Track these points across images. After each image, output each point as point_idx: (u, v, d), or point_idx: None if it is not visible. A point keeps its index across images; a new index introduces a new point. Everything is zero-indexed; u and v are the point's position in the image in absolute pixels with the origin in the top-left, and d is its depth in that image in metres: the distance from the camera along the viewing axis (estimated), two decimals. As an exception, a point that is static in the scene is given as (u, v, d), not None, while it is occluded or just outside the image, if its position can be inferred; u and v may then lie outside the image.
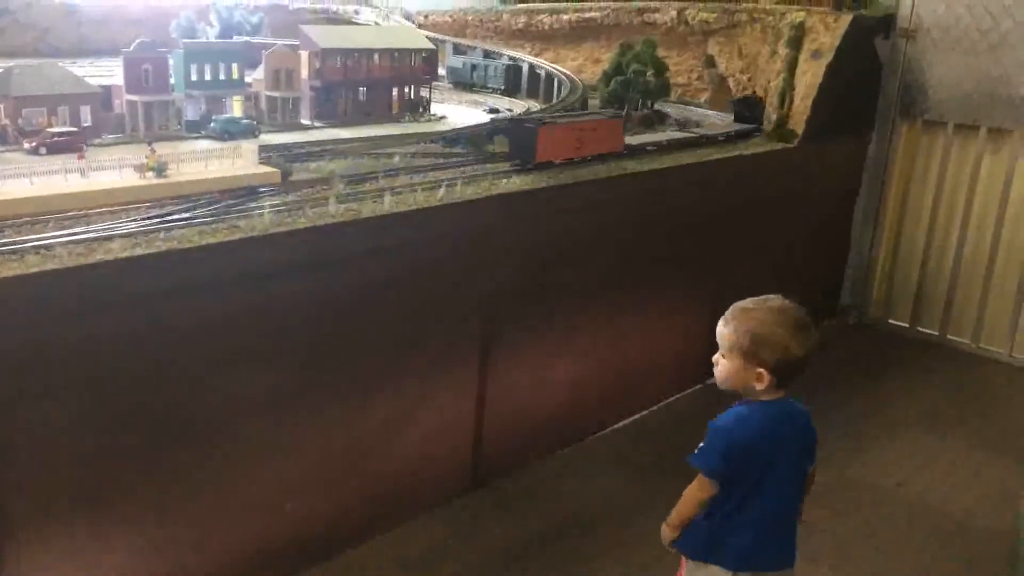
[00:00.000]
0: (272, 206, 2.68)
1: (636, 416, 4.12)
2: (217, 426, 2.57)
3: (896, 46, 5.01)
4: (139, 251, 2.25)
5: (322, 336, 2.76)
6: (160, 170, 2.77)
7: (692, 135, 4.43)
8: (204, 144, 3.35)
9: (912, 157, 5.16)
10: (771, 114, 4.71)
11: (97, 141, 3.24)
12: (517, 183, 3.34)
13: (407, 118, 4.33)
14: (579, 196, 3.49)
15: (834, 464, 3.73)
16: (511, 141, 3.69)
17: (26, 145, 2.99)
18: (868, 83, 5.06)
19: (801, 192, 4.69)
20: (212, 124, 3.59)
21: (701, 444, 2.14)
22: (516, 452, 3.59)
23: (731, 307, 2.18)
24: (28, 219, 2.38)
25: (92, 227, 2.34)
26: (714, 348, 2.21)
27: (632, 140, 4.04)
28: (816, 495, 3.42)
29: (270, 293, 2.56)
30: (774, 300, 2.17)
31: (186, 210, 2.58)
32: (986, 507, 3.47)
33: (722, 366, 2.16)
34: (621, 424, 4.04)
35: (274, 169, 3.03)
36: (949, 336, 5.13)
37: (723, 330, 2.16)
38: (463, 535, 3.14)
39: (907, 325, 5.27)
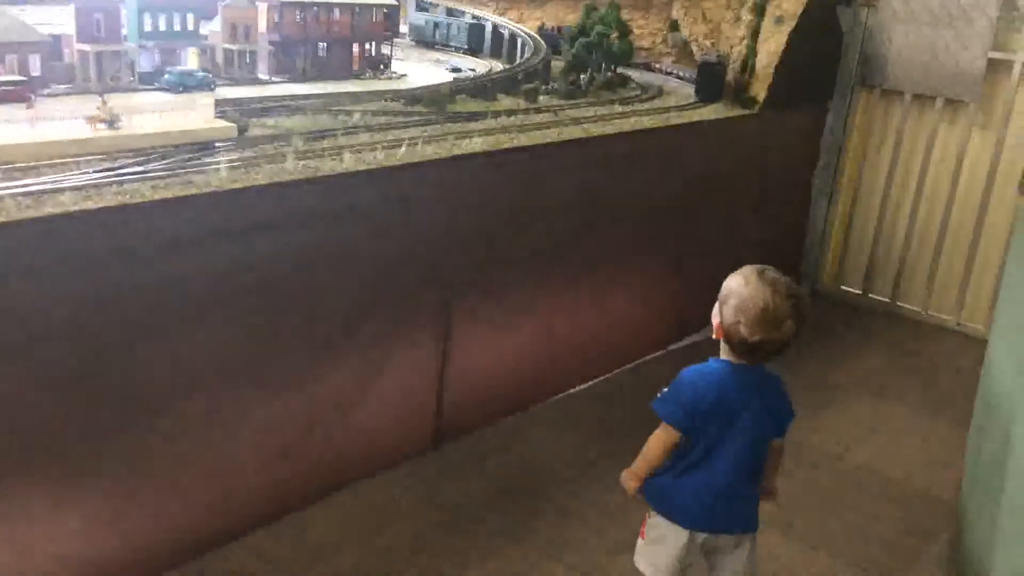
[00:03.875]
0: (228, 161, 2.63)
1: (596, 380, 4.15)
2: (168, 391, 2.52)
3: (857, 15, 5.03)
4: (90, 205, 2.20)
5: (279, 298, 2.73)
6: (112, 122, 2.70)
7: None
8: (158, 97, 3.27)
9: (870, 126, 5.22)
10: (731, 81, 4.72)
11: (46, 91, 3.14)
12: (479, 144, 3.31)
13: (368, 75, 4.27)
14: (538, 159, 3.48)
15: (784, 428, 3.81)
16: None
17: (-28, 94, 2.90)
18: (829, 51, 5.08)
19: (762, 159, 4.72)
20: (166, 76, 3.50)
21: (665, 390, 2.19)
22: (476, 414, 3.61)
23: (747, 268, 2.18)
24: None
25: (41, 179, 2.28)
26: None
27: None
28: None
29: (224, 252, 2.52)
30: (769, 272, 2.16)
31: (139, 163, 2.52)
32: (929, 471, 3.57)
33: (715, 310, 2.21)
34: (581, 387, 4.07)
35: (230, 124, 2.97)
36: (900, 303, 5.23)
37: (729, 283, 2.19)
38: (417, 496, 3.16)
39: (859, 292, 5.37)
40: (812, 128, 5.18)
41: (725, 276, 2.21)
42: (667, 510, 2.23)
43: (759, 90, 4.61)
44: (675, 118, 4.23)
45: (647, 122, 4.07)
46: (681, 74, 5.11)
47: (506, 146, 3.36)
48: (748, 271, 2.14)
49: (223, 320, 2.58)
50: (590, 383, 4.13)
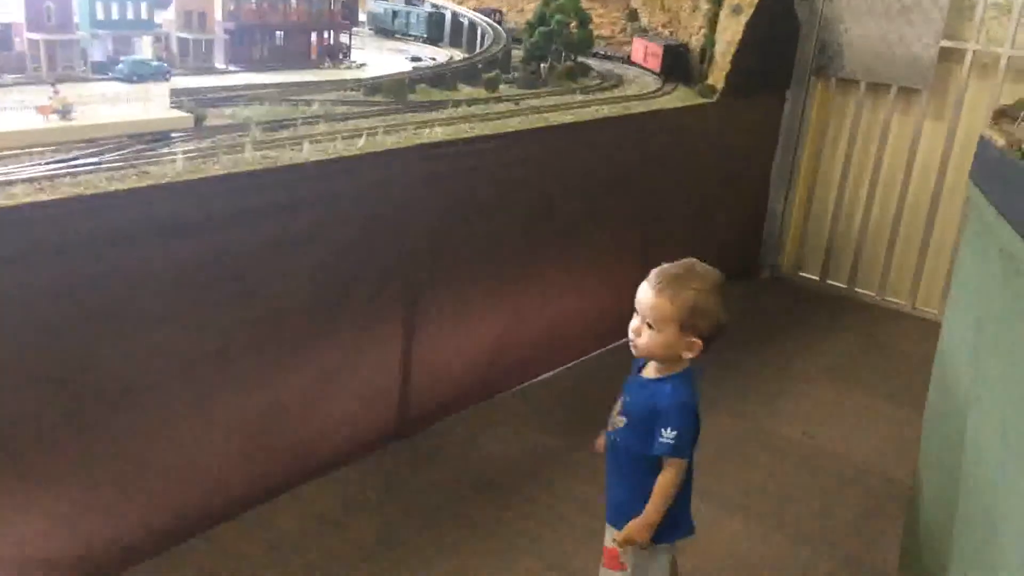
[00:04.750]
0: (184, 152, 2.58)
1: (561, 368, 4.17)
2: (125, 386, 2.47)
3: (814, 4, 5.09)
4: (43, 197, 2.15)
5: (239, 291, 2.69)
6: (65, 112, 2.64)
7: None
8: (111, 87, 3.20)
9: (826, 116, 5.29)
10: (692, 69, 4.76)
11: (-5, 81, 3.07)
12: (439, 133, 3.29)
13: (326, 64, 4.22)
14: (499, 149, 3.47)
15: (745, 416, 3.86)
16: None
17: (-83, 83, 2.82)
18: (786, 41, 5.14)
19: (722, 148, 4.76)
20: (120, 66, 3.42)
21: (672, 432, 2.08)
22: (441, 406, 3.60)
23: (657, 274, 2.14)
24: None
25: (-7, 171, 2.23)
26: (629, 305, 2.21)
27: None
28: (726, 447, 3.58)
29: (182, 245, 2.48)
30: (700, 267, 2.16)
31: (93, 155, 2.47)
32: (886, 456, 3.64)
33: (649, 336, 2.11)
34: (546, 376, 4.08)
35: (186, 114, 2.92)
36: (857, 289, 5.32)
37: (655, 300, 2.10)
38: (381, 489, 3.15)
39: (817, 279, 5.45)
40: (770, 117, 5.24)
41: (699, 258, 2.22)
42: (674, 535, 2.22)
43: (717, 79, 4.65)
44: (635, 106, 4.24)
45: (607, 110, 4.08)
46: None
47: (467, 135, 3.34)
48: (673, 286, 2.10)
49: (182, 313, 2.53)
50: (555, 371, 4.14)
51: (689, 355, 2.12)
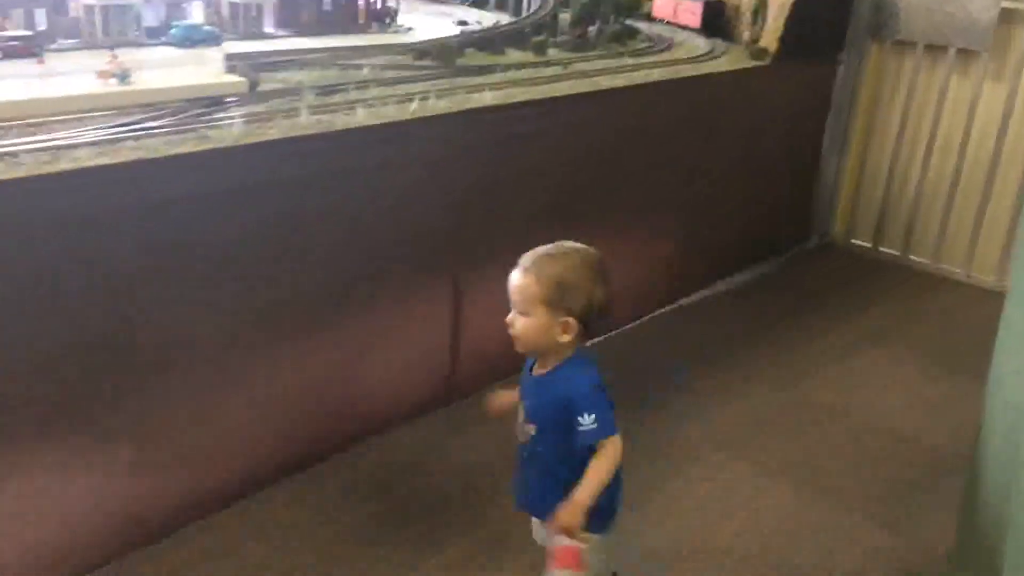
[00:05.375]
0: (241, 116, 2.61)
1: (603, 336, 4.15)
2: (182, 351, 2.53)
3: (870, -36, 4.96)
4: (105, 160, 2.19)
5: (291, 256, 2.72)
6: (123, 77, 2.67)
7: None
8: (165, 52, 3.23)
9: (880, 79, 5.16)
10: (743, 31, 4.67)
11: (53, 46, 3.10)
12: (489, 98, 3.28)
13: (374, 28, 4.21)
14: (548, 114, 3.44)
15: (790, 384, 3.82)
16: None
17: (-21, 50, 2.86)
18: (840, 3, 5.01)
19: (772, 113, 4.68)
20: (172, 31, 3.45)
21: (593, 414, 1.95)
22: (488, 373, 3.60)
23: (525, 256, 2.03)
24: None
25: (56, 135, 2.26)
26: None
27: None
28: (770, 415, 3.57)
29: (240, 208, 2.51)
30: (570, 244, 2.04)
31: (152, 119, 2.50)
32: (937, 426, 3.58)
33: (523, 323, 1.98)
34: (588, 345, 4.07)
35: (241, 78, 2.94)
36: (910, 256, 5.22)
37: (522, 281, 1.98)
38: (428, 453, 3.18)
39: (869, 245, 5.35)
40: (823, 81, 5.13)
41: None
42: (606, 523, 2.08)
43: (770, 42, 4.55)
44: (686, 70, 4.18)
45: (657, 74, 4.03)
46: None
47: (517, 100, 3.32)
48: (539, 264, 1.99)
49: (234, 277, 2.58)
50: (599, 339, 4.12)
51: (566, 338, 1.97)
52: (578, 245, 2.04)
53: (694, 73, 4.17)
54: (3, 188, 1.99)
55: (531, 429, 2.05)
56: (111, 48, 2.91)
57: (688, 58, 4.37)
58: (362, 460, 3.10)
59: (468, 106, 3.13)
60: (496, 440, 3.27)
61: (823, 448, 3.40)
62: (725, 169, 4.46)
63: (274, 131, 2.57)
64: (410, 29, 4.34)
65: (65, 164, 2.12)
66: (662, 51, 4.48)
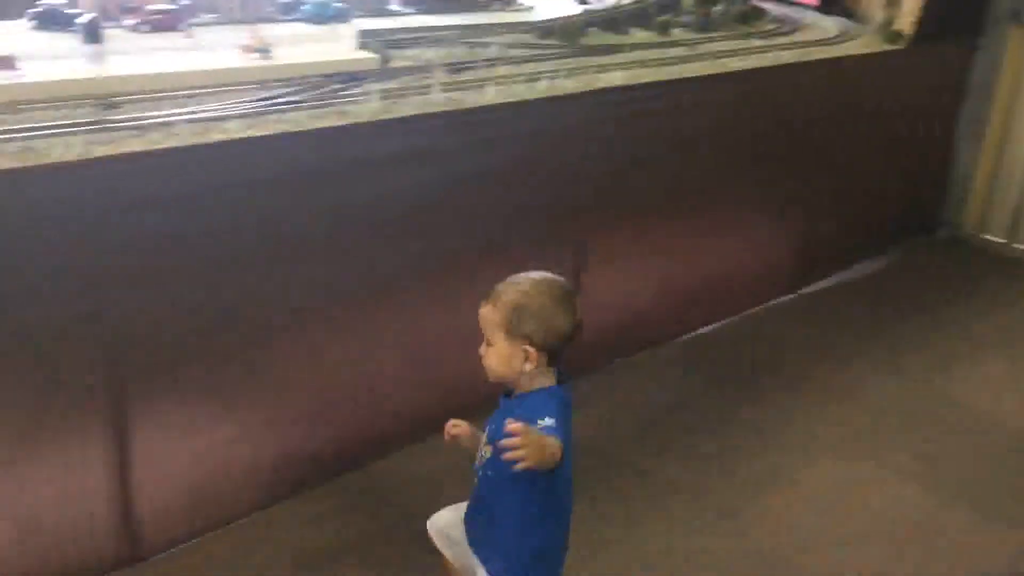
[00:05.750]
0: (376, 92, 2.64)
1: (722, 322, 4.09)
2: (314, 313, 2.60)
3: (1014, -56, 4.70)
4: (253, 132, 2.24)
5: (417, 229, 2.75)
6: (264, 52, 2.73)
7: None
8: (299, 28, 3.29)
9: (1021, 65, 4.89)
10: (872, 12, 4.49)
11: (194, 20, 3.20)
12: (617, 78, 3.24)
13: (496, 6, 4.20)
14: (674, 95, 3.38)
15: (918, 381, 3.68)
16: None
17: (127, 22, 2.97)
18: (980, -17, 4.78)
19: (906, 98, 4.48)
20: (304, 7, 3.51)
21: (551, 419, 1.83)
22: (603, 351, 3.60)
23: (507, 285, 1.94)
24: (141, 97, 2.37)
25: (206, 107, 2.33)
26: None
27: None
28: (898, 412, 3.44)
29: (371, 182, 2.55)
30: (535, 273, 1.95)
31: (293, 93, 2.55)
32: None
33: (489, 353, 1.92)
34: (706, 330, 4.02)
35: (373, 55, 2.97)
36: (1048, 254, 4.96)
37: (484, 309, 1.93)
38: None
39: (1003, 241, 5.09)
40: (960, 66, 4.89)
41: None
42: (554, 568, 2.01)
43: (905, 24, 4.37)
44: (816, 53, 4.05)
45: (787, 57, 3.91)
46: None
47: (645, 81, 3.27)
48: (499, 292, 1.91)
49: (360, 246, 2.62)
50: (716, 325, 4.07)
51: (528, 366, 1.87)
52: (544, 273, 1.94)
53: (825, 56, 4.03)
54: (161, 157, 2.06)
55: (487, 451, 1.94)
56: (248, 23, 2.98)
57: (818, 40, 4.23)
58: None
59: (596, 86, 3.10)
60: (609, 415, 3.28)
61: (952, 448, 3.26)
62: (853, 156, 4.31)
63: (408, 108, 2.59)
64: (531, 8, 4.32)
65: (217, 135, 2.18)
66: (790, 32, 4.34)
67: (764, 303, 4.27)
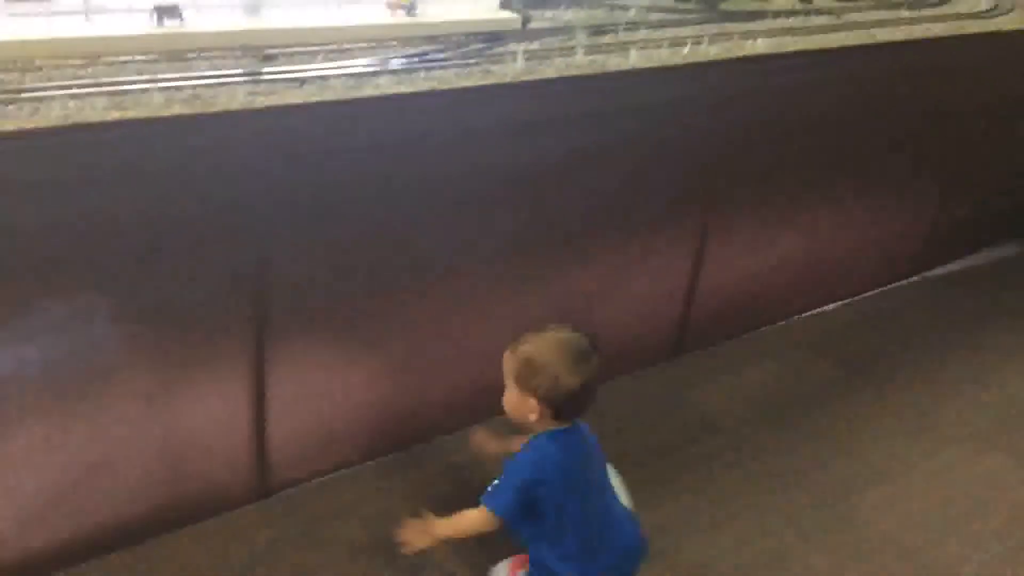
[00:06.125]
0: (521, 53, 2.64)
1: (842, 302, 3.99)
2: (449, 268, 2.65)
3: None
4: (403, 89, 2.28)
5: (550, 191, 2.76)
6: (410, 9, 2.77)
7: None
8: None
9: None
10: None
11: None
12: (761, 46, 3.15)
13: (633, -32, 4.13)
14: (816, 66, 3.27)
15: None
16: None
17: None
18: None
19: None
20: (445, -36, 3.53)
21: (497, 482, 2.00)
22: (720, 327, 3.57)
23: (523, 342, 2.00)
24: (295, 50, 2.44)
25: (358, 61, 2.38)
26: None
27: None
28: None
29: (511, 143, 2.56)
30: (554, 327, 2.01)
31: (439, 51, 2.58)
32: None
33: (505, 395, 2.01)
34: (823, 310, 3.93)
35: (515, 15, 2.97)
36: None
37: (505, 355, 2.01)
38: (659, 402, 3.18)
39: None
40: None
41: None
42: None
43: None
44: (969, 26, 3.84)
45: (938, 30, 3.72)
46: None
47: (790, 50, 3.17)
48: (519, 343, 1.98)
49: (499, 205, 2.65)
50: (836, 304, 3.97)
51: (533, 417, 1.95)
52: (569, 331, 2.00)
53: (979, 31, 3.82)
54: (316, 109, 2.12)
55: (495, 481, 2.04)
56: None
57: (971, 13, 4.02)
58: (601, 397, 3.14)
59: (739, 53, 3.02)
60: (728, 392, 3.25)
61: None
62: (992, 138, 4.09)
63: (551, 70, 2.59)
64: (667, -30, 4.24)
65: (369, 90, 2.22)
66: (940, 3, 4.14)
67: (888, 284, 4.15)
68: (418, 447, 2.81)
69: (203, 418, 2.35)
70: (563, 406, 1.95)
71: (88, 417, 2.15)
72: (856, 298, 4.05)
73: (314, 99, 2.12)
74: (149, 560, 2.32)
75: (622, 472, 2.36)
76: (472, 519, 2.02)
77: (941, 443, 3.05)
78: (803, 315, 3.86)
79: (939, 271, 4.36)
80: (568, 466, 1.98)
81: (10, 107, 1.84)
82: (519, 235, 2.74)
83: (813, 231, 3.70)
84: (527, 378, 1.95)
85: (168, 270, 2.13)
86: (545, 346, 1.96)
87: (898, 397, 3.28)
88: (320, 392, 2.56)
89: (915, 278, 4.28)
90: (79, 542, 2.26)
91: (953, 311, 3.98)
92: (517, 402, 1.98)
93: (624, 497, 2.22)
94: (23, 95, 1.92)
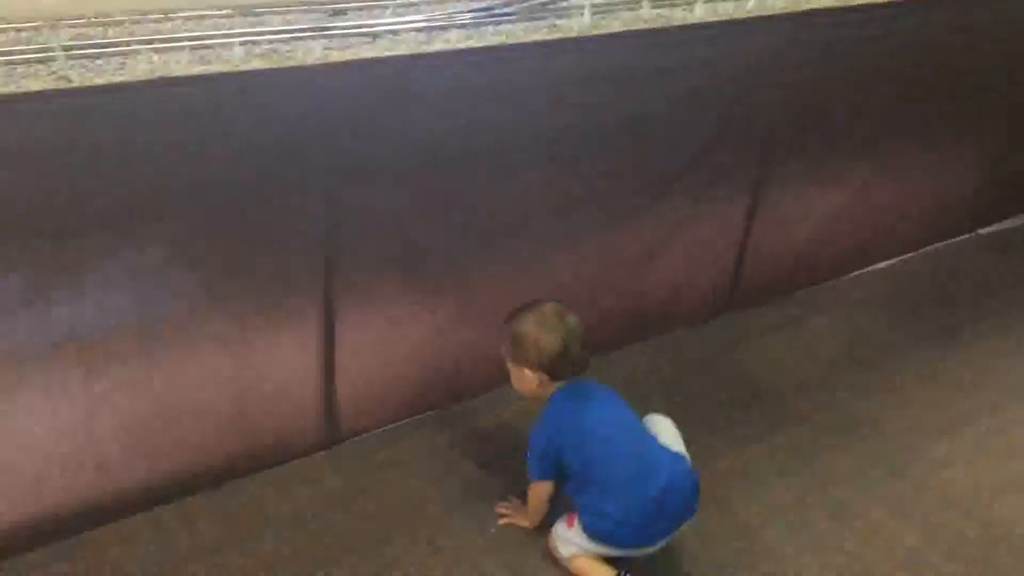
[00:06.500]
0: (586, 6, 2.62)
1: (899, 258, 3.98)
2: (508, 225, 2.69)
3: None
4: (471, 43, 2.29)
5: (612, 149, 2.77)
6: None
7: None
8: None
9: None
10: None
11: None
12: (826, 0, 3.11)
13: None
14: (888, 19, 3.22)
15: None
16: None
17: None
18: None
19: None
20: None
21: (527, 461, 2.31)
22: (774, 283, 3.57)
23: (514, 321, 2.28)
24: (362, 4, 2.45)
25: (426, 15, 2.39)
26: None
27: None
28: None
29: (577, 98, 2.57)
30: (528, 304, 2.28)
31: (506, 4, 2.57)
32: None
33: (511, 378, 2.30)
34: (883, 265, 3.92)
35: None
36: None
37: (501, 347, 2.29)
38: (712, 355, 3.21)
39: None
40: None
41: None
42: (593, 530, 2.28)
43: None
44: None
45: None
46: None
47: (855, 3, 3.12)
48: (506, 323, 2.27)
49: (558, 161, 2.67)
50: (893, 260, 3.96)
51: (536, 387, 2.24)
52: (540, 303, 2.26)
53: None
54: (388, 63, 2.14)
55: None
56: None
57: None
58: (651, 352, 3.19)
59: (805, 7, 2.98)
60: (783, 348, 3.27)
61: None
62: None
63: (617, 23, 2.58)
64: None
65: (439, 44, 2.24)
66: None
67: (942, 240, 4.13)
68: (473, 400, 2.86)
69: (276, 366, 2.42)
70: (554, 366, 2.19)
71: (168, 363, 2.23)
72: (908, 256, 4.03)
73: (386, 53, 2.14)
74: (225, 504, 2.41)
75: (679, 424, 2.42)
76: (532, 496, 2.31)
77: (1003, 399, 3.05)
78: (855, 273, 3.85)
79: (992, 228, 4.33)
80: (578, 412, 2.20)
81: (98, 61, 1.87)
82: (577, 193, 2.76)
83: (867, 186, 3.67)
84: (517, 354, 2.22)
85: (244, 221, 2.18)
86: (522, 321, 2.22)
87: (957, 353, 3.28)
88: (385, 343, 2.61)
89: (967, 235, 4.25)
90: (157, 485, 2.35)
91: (1008, 268, 3.95)
92: (519, 378, 2.25)
93: (674, 442, 2.32)
94: (108, 49, 1.95)
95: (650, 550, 2.19)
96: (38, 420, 2.09)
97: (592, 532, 2.17)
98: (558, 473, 2.23)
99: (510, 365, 2.27)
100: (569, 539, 2.21)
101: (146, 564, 2.20)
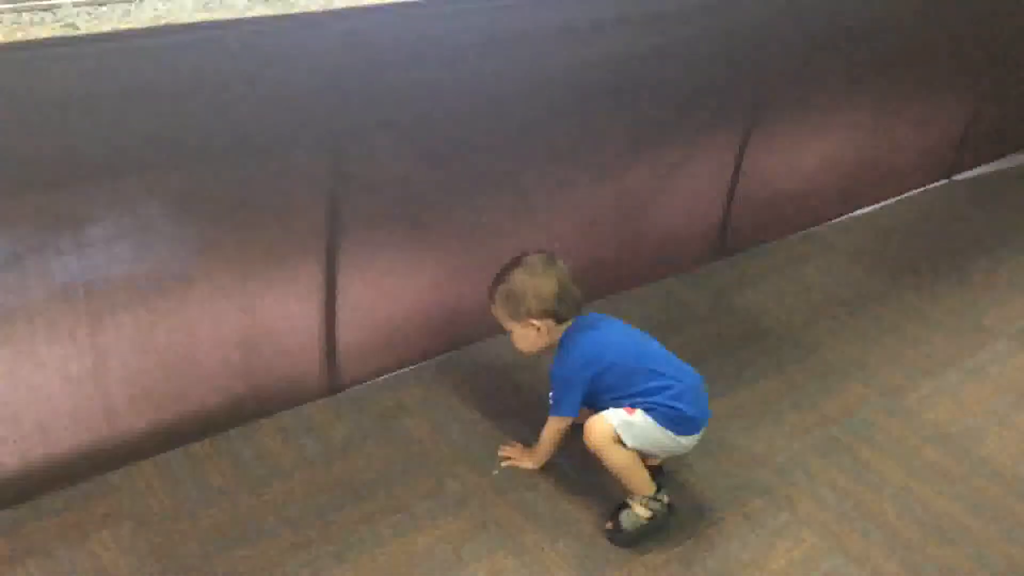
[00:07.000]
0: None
1: (885, 203, 4.06)
2: (508, 173, 2.71)
3: None
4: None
5: (608, 95, 2.78)
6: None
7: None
8: None
9: None
10: None
11: None
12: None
13: None
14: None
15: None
16: None
17: None
18: None
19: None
20: None
21: (551, 395, 2.30)
22: (761, 229, 3.63)
23: (489, 289, 2.31)
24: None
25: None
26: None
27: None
28: None
29: (573, 45, 2.58)
30: (512, 260, 2.29)
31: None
32: None
33: (514, 339, 2.31)
34: (869, 210, 3.99)
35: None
36: None
37: (493, 310, 2.30)
38: (708, 302, 3.28)
39: None
40: None
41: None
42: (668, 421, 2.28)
43: None
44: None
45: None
46: None
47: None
48: (494, 286, 2.29)
49: (555, 108, 2.68)
50: (880, 205, 4.06)
51: (543, 336, 2.25)
52: (523, 257, 2.27)
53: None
54: (392, 11, 2.13)
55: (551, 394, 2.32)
56: None
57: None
58: (648, 298, 3.25)
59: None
60: (772, 293, 3.34)
61: None
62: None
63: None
64: None
65: (442, -9, 2.23)
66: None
67: (921, 187, 4.22)
68: (474, 346, 2.90)
69: (279, 315, 2.44)
70: (556, 309, 2.21)
71: (173, 311, 2.24)
72: (889, 201, 4.10)
73: (389, 1, 2.13)
74: (230, 449, 2.44)
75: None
76: (552, 433, 2.32)
77: (987, 340, 3.15)
78: (840, 218, 3.92)
79: (968, 174, 4.41)
80: (596, 337, 2.24)
81: (103, 8, 1.85)
82: (576, 140, 2.78)
83: (848, 135, 3.72)
84: (515, 309, 2.22)
85: (246, 171, 2.18)
86: (513, 277, 2.23)
87: (939, 298, 3.38)
88: (386, 291, 2.64)
89: (946, 180, 4.33)
90: (163, 431, 2.38)
91: (989, 213, 4.05)
92: (523, 334, 2.26)
93: None
94: (110, -5, 1.92)
95: (690, 443, 2.23)
96: (47, 370, 2.11)
97: (661, 415, 2.14)
98: (590, 402, 2.23)
99: (511, 325, 2.28)
100: (633, 423, 2.13)
101: (158, 507, 2.23)
